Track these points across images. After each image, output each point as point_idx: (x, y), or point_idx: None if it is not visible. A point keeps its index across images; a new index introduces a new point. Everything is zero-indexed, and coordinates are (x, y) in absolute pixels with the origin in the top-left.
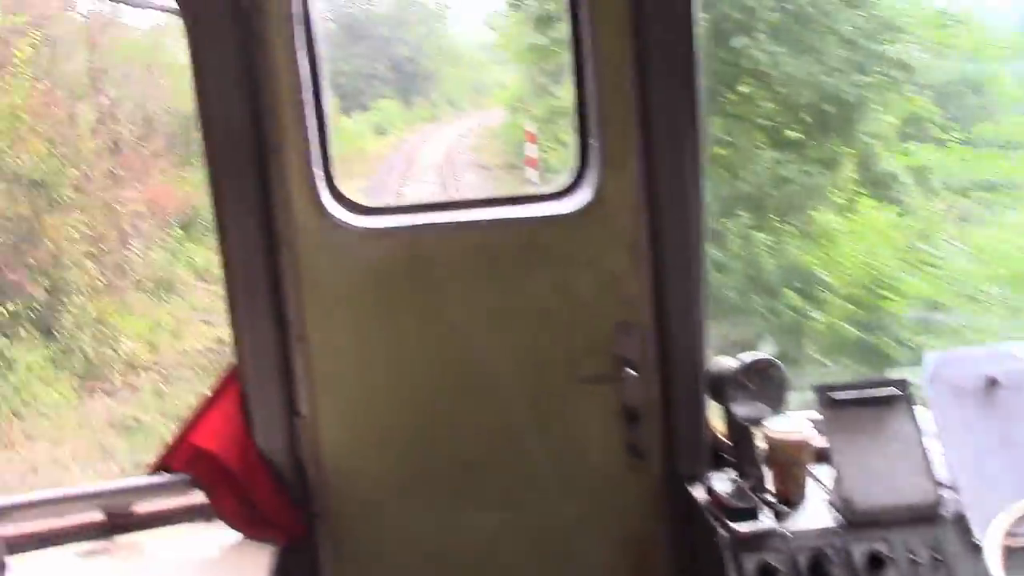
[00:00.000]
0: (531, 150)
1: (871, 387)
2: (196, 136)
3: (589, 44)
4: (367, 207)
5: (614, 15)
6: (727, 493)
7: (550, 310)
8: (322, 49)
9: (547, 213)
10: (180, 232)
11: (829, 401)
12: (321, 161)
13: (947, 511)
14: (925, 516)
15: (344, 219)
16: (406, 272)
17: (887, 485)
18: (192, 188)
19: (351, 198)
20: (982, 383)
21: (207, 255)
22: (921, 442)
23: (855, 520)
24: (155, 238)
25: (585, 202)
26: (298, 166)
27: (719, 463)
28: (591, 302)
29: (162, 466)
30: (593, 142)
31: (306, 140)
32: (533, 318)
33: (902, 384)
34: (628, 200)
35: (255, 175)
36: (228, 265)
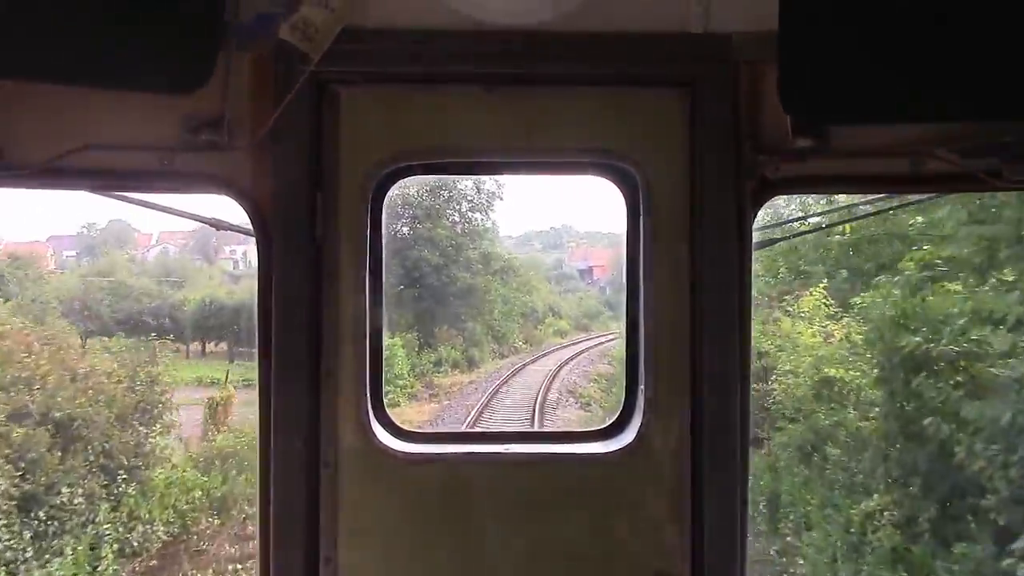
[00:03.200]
0: None
1: None
2: None
3: (644, 293)
4: (412, 432)
5: (672, 269)
6: None
7: (586, 554)
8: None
9: (588, 451)
10: None
11: None
12: (371, 386)
13: None
14: None
15: (388, 443)
16: (443, 501)
17: None
18: None
19: (397, 423)
20: None
21: None
22: None
23: None
24: None
25: (627, 443)
26: (348, 390)
27: None
28: (627, 548)
29: None
30: (641, 387)
31: (360, 366)
32: (568, 561)
33: None
34: (671, 445)
35: (307, 396)
36: (265, 483)
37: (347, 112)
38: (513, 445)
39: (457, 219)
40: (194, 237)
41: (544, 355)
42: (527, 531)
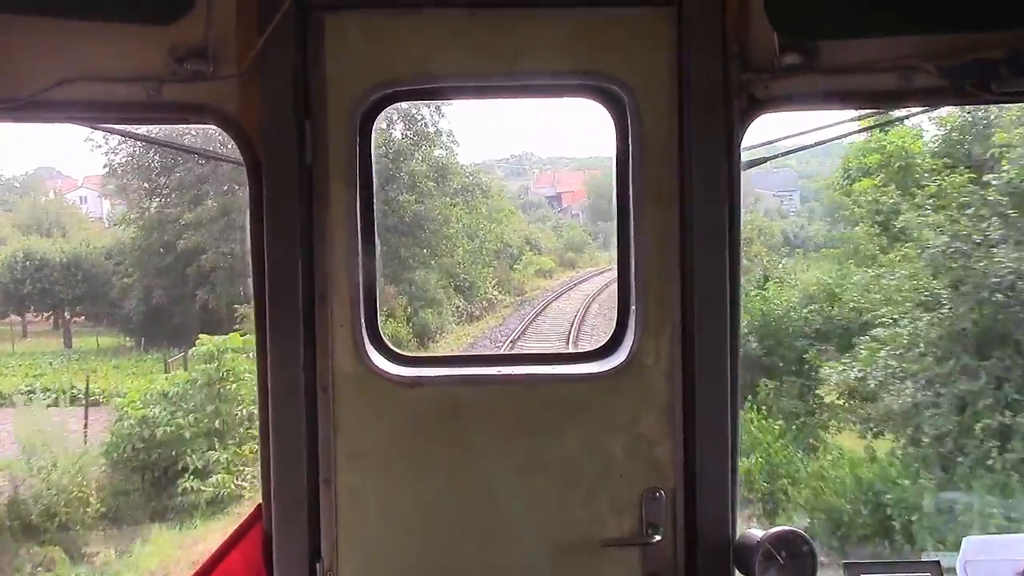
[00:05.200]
0: None
1: (904, 569)
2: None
3: (635, 214)
4: (407, 357)
5: (661, 190)
6: None
7: (579, 470)
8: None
9: (582, 372)
10: None
11: None
12: (365, 311)
13: None
14: None
15: (383, 367)
16: (440, 422)
17: None
18: None
19: (392, 347)
20: (1018, 570)
21: None
22: None
23: None
24: None
25: (619, 363)
26: (343, 314)
27: None
28: (621, 464)
29: None
30: (632, 306)
31: (354, 290)
32: (561, 477)
33: (935, 567)
34: (663, 364)
35: (302, 321)
36: (265, 409)
37: (332, 39)
38: (508, 367)
39: (396, 117)
40: (111, 180)
41: (535, 314)
42: (522, 450)
